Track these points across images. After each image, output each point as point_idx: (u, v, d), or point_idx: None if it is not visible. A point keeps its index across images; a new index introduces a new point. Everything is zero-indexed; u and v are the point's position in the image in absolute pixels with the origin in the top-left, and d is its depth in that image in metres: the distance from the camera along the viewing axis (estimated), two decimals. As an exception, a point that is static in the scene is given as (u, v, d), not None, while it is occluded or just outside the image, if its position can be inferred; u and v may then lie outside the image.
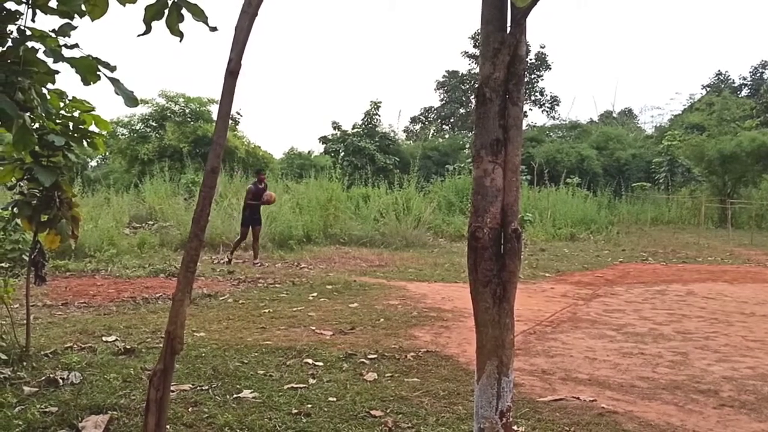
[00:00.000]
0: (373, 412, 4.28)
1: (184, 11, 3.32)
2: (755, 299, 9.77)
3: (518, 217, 2.99)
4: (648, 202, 30.88)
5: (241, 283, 10.42)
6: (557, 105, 49.75)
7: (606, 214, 25.79)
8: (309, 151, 36.65)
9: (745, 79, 46.90)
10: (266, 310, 8.02)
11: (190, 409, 4.25)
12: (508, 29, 3.00)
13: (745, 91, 44.84)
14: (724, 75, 49.44)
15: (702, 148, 28.50)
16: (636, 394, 4.99)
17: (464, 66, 49.35)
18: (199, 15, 3.33)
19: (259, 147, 30.25)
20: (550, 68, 48.19)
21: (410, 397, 4.66)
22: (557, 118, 48.46)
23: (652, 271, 13.26)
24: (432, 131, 50.65)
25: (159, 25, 3.34)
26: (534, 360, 5.96)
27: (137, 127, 29.45)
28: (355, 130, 34.47)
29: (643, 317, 8.23)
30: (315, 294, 9.41)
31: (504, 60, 2.94)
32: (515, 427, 4.06)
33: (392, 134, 36.43)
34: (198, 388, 4.73)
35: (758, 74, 44.64)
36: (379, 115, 35.15)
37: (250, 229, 13.22)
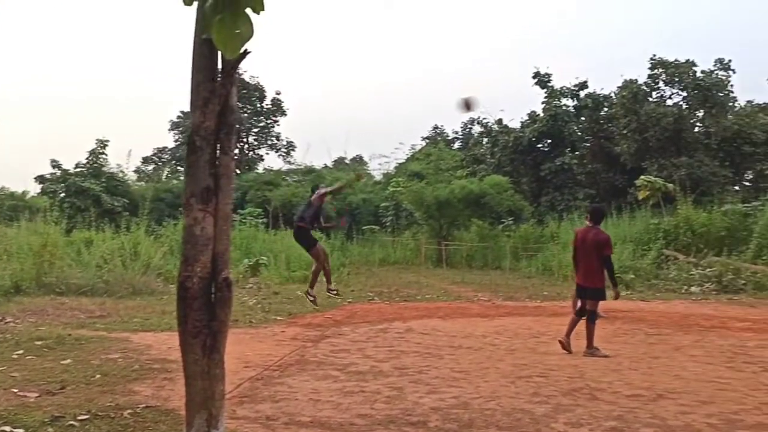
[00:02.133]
0: (77, 482, 3.90)
1: None
2: (463, 333, 10.84)
3: (229, 265, 3.00)
4: (377, 244, 33.00)
5: (-76, 343, 8.86)
6: (293, 150, 51.29)
7: (338, 255, 26.90)
8: (23, 192, 33.14)
9: (457, 133, 52.76)
10: (-45, 375, 6.91)
11: None
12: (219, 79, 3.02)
13: (457, 144, 50.36)
14: (440, 128, 55.11)
15: (422, 194, 31.32)
16: (354, 432, 5.21)
17: (200, 107, 48.61)
18: None
19: (-41, 185, 26.42)
20: (286, 114, 49.77)
21: (123, 460, 4.33)
22: (293, 163, 49.83)
23: (377, 310, 14.08)
24: (166, 172, 48.80)
25: None
26: (259, 406, 5.93)
27: None
28: (79, 170, 31.88)
29: (366, 355, 8.67)
30: (21, 351, 8.34)
31: (214, 110, 2.95)
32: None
33: (121, 174, 34.39)
34: None
35: (467, 129, 50.44)
36: (106, 155, 33.03)
37: None
